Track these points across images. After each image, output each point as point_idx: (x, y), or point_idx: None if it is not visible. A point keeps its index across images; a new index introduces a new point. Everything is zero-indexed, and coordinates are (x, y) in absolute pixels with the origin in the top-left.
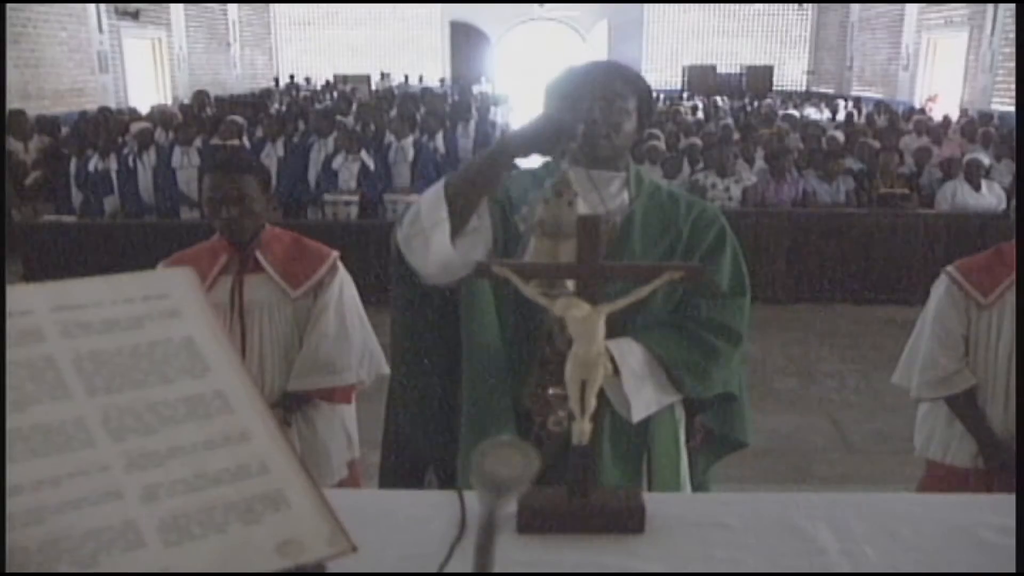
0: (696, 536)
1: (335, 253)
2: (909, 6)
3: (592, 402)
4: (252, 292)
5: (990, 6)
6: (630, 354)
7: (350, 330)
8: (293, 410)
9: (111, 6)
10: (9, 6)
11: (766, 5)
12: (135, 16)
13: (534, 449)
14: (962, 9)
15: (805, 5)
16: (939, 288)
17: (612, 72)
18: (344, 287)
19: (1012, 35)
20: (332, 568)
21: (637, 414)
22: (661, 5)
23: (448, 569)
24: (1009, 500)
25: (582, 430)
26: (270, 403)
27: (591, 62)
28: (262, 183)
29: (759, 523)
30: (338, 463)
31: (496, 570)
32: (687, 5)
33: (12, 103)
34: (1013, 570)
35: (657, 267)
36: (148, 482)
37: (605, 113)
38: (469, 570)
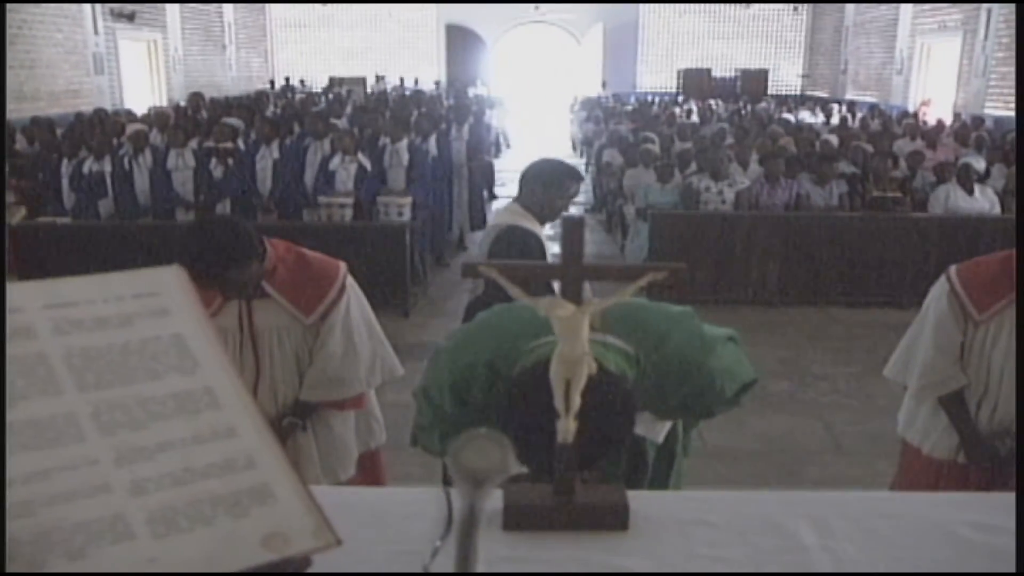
0: (679, 533)
1: (343, 269)
2: (903, 11)
3: (576, 400)
4: (262, 317)
5: (984, 11)
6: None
7: (358, 346)
8: (306, 415)
9: (107, 8)
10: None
11: (761, 10)
12: (131, 18)
13: (509, 440)
14: (956, 14)
15: (800, 9)
16: (940, 296)
17: None
18: (351, 304)
19: (1005, 40)
20: (325, 565)
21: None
22: (656, 8)
23: (434, 565)
24: (986, 498)
25: (567, 428)
26: (284, 413)
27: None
28: (247, 257)
29: (742, 521)
30: (356, 454)
31: (481, 566)
32: (682, 9)
33: (8, 104)
34: (990, 566)
35: (640, 267)
36: (137, 476)
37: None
38: (453, 565)
